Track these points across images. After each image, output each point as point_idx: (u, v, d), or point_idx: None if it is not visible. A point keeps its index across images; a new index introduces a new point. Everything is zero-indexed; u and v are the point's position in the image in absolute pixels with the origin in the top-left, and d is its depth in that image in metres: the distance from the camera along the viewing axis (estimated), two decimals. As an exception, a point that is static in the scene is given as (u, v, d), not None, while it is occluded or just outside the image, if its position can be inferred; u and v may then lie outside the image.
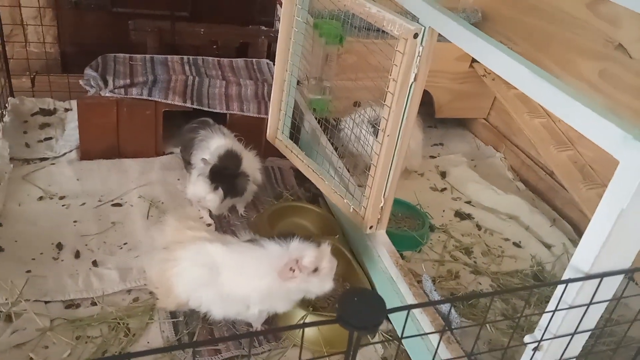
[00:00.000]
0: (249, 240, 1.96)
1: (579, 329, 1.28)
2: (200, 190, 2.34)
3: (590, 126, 1.24)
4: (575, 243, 2.59)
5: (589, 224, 1.19)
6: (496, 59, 1.54)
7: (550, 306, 1.26)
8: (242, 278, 1.82)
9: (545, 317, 1.30)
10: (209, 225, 2.46)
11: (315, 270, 1.78)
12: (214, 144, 2.50)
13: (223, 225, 2.51)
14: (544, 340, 1.29)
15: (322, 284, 1.81)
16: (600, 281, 1.20)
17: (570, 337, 1.29)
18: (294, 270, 1.76)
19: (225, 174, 2.35)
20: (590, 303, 1.24)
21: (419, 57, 1.81)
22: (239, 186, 2.40)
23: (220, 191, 2.33)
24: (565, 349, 1.33)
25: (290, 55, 2.45)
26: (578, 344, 1.35)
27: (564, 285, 1.19)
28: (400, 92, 1.88)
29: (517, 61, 1.46)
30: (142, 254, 2.24)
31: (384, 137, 1.98)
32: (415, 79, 1.86)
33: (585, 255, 1.20)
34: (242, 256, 1.85)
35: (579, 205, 2.65)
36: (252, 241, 1.90)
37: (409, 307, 1.01)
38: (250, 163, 2.51)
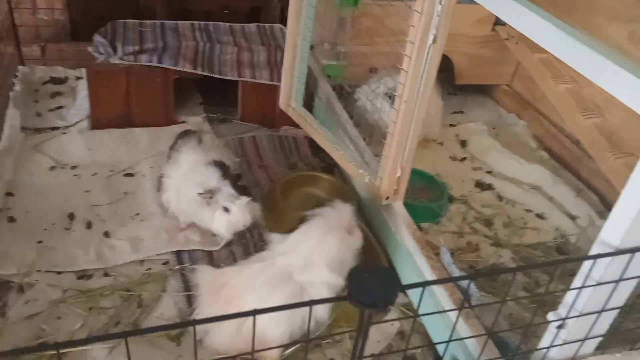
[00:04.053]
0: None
1: (607, 307, 1.21)
2: (242, 214, 2.06)
3: (623, 87, 1.13)
4: (601, 215, 2.49)
5: (620, 195, 1.10)
6: (521, 17, 1.43)
7: (576, 282, 1.18)
8: (334, 250, 1.73)
9: (571, 294, 1.23)
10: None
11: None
12: (185, 159, 2.20)
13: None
14: (569, 318, 1.21)
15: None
16: (632, 257, 1.11)
17: (596, 315, 1.22)
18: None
19: (238, 181, 2.16)
20: (620, 279, 1.16)
21: (437, 17, 1.70)
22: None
23: (249, 199, 2.09)
24: (591, 328, 1.25)
25: (302, 18, 2.35)
26: (605, 322, 1.27)
27: (592, 261, 1.10)
28: (418, 55, 1.78)
29: (544, 18, 1.35)
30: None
31: (400, 103, 1.89)
32: (434, 41, 1.75)
33: (615, 229, 1.12)
34: (315, 233, 1.75)
35: (606, 175, 2.54)
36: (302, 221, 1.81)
37: (424, 284, 0.94)
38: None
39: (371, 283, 0.93)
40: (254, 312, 0.89)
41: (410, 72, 1.82)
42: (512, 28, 3.16)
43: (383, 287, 0.92)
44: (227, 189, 2.04)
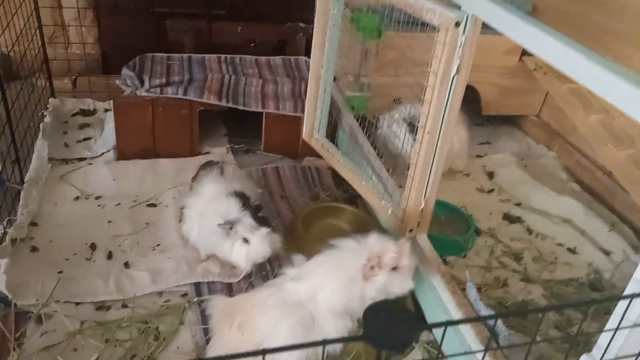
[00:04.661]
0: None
1: (646, 350, 1.12)
2: (262, 246, 2.02)
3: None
4: (637, 249, 2.37)
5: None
6: (548, 47, 1.38)
7: (611, 323, 1.10)
8: (338, 291, 1.64)
9: (605, 336, 1.15)
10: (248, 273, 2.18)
11: (395, 268, 1.65)
12: (206, 190, 2.17)
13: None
14: (604, 361, 1.13)
15: (403, 283, 1.68)
16: (672, 296, 1.03)
17: (635, 358, 1.13)
18: (373, 268, 1.63)
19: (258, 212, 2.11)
20: (659, 321, 1.08)
21: (461, 48, 1.67)
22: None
23: (269, 230, 2.05)
24: (628, 372, 1.16)
25: (326, 50, 2.35)
26: (644, 367, 1.18)
27: (627, 300, 1.03)
28: (441, 86, 1.75)
29: (572, 48, 1.30)
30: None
31: (423, 135, 1.85)
32: (457, 72, 1.72)
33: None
34: (324, 269, 1.69)
35: (641, 209, 2.43)
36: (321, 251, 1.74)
37: (446, 324, 0.88)
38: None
39: (388, 322, 0.88)
40: (263, 352, 0.84)
41: (433, 103, 1.78)
42: (540, 59, 3.12)
43: (400, 328, 0.87)
44: (247, 219, 2.02)
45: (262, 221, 2.05)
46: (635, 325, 1.08)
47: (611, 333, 1.12)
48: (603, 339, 1.15)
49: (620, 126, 2.63)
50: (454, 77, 1.73)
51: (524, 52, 3.05)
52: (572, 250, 2.40)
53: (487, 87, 3.11)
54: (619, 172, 2.46)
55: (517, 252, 2.36)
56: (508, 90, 3.14)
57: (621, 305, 1.08)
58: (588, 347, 1.23)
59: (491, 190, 2.79)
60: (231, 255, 2.08)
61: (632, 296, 1.02)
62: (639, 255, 2.33)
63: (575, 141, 3.01)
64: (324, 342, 0.87)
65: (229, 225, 2.02)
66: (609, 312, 1.15)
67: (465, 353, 1.65)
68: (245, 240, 2.03)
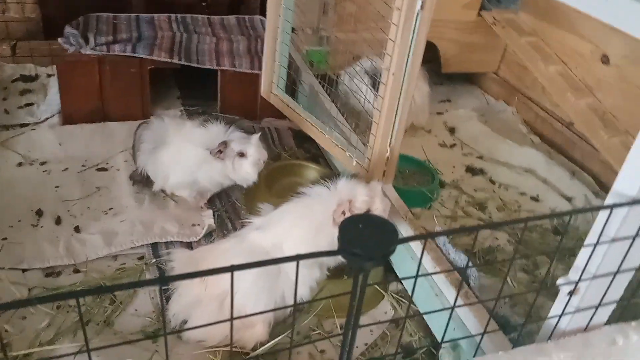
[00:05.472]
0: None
1: (622, 267, 1.10)
2: (259, 151, 2.04)
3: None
4: (598, 195, 2.40)
5: (636, 140, 0.99)
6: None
7: (590, 240, 1.07)
8: (306, 240, 1.58)
9: (582, 256, 1.12)
10: (208, 210, 2.18)
11: (367, 211, 1.59)
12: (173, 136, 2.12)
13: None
14: (582, 281, 1.10)
15: None
16: (650, 207, 1.00)
17: (612, 277, 1.11)
18: (344, 213, 1.56)
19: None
20: (637, 235, 1.05)
21: (425, -20, 1.61)
22: None
23: (259, 134, 2.08)
24: (605, 292, 1.14)
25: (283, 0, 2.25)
26: (620, 286, 1.16)
27: (608, 211, 0.99)
28: (406, 23, 1.68)
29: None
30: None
31: (388, 76, 1.78)
32: (422, 7, 1.66)
33: (631, 177, 1.01)
34: (291, 217, 1.61)
35: (600, 156, 2.45)
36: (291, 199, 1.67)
37: (426, 237, 0.82)
38: None
39: (365, 234, 0.81)
40: (232, 268, 0.76)
41: (397, 42, 1.72)
42: (498, 13, 3.09)
43: (379, 238, 0.80)
44: (235, 134, 2.02)
45: (246, 131, 2.06)
46: (614, 240, 1.05)
47: (588, 254, 1.10)
48: (580, 259, 1.12)
49: (578, 76, 2.65)
50: (418, 13, 1.66)
51: (482, 7, 3.03)
52: (534, 199, 2.40)
53: (446, 43, 3.08)
54: (579, 120, 2.47)
55: (481, 202, 2.34)
56: (467, 47, 3.12)
57: (601, 219, 1.04)
58: (555, 287, 1.20)
59: (453, 145, 2.77)
60: (235, 174, 2.05)
61: (612, 206, 0.98)
62: (599, 199, 2.35)
63: (533, 95, 3.02)
64: (297, 258, 0.80)
65: (223, 146, 1.99)
66: (574, 255, 1.12)
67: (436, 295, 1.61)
68: (241, 154, 2.01)
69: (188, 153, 2.05)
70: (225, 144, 2.00)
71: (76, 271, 1.89)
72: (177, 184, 2.13)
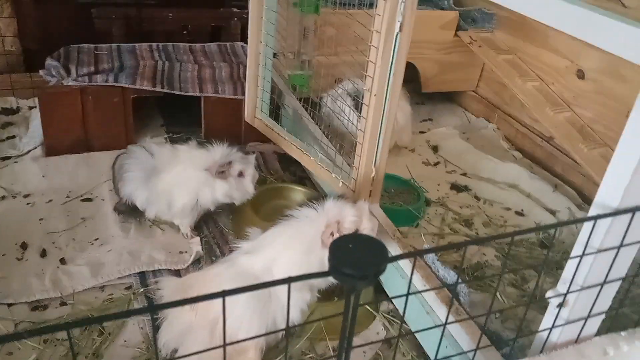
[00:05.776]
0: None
1: (609, 277, 1.11)
2: (253, 170, 2.14)
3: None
4: (581, 207, 2.43)
5: (616, 151, 1.02)
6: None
7: (576, 252, 1.09)
8: (296, 262, 1.58)
9: (569, 268, 1.13)
10: (196, 237, 2.20)
11: (356, 231, 1.59)
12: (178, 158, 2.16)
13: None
14: (571, 292, 1.11)
15: None
16: (633, 216, 1.03)
17: (600, 287, 1.12)
18: (333, 235, 1.55)
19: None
20: (621, 245, 1.07)
21: (403, 3, 1.64)
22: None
23: (254, 154, 2.19)
24: (594, 303, 1.15)
25: (264, 24, 2.28)
26: (607, 296, 1.18)
27: (592, 223, 1.01)
28: (385, 45, 1.71)
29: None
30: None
31: (370, 98, 1.81)
32: (400, 29, 1.69)
33: (613, 188, 1.03)
34: (281, 240, 1.62)
35: (581, 169, 2.50)
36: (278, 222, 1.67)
37: (415, 254, 0.83)
38: None
39: (355, 254, 0.82)
40: (224, 294, 0.76)
41: (378, 63, 1.74)
42: (474, 32, 3.16)
43: (369, 256, 0.81)
44: (237, 154, 2.10)
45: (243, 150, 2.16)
46: (599, 251, 1.07)
47: (575, 267, 1.11)
48: (568, 271, 1.13)
49: (556, 91, 2.71)
50: (397, 34, 1.70)
51: (459, 27, 3.10)
52: (519, 213, 2.43)
53: (425, 64, 3.13)
54: (558, 134, 2.52)
55: (468, 218, 2.36)
56: (446, 66, 3.18)
57: (585, 230, 1.06)
58: (544, 301, 1.21)
59: (437, 163, 2.80)
60: (237, 192, 2.12)
61: (596, 217, 1.00)
62: (583, 211, 2.39)
63: (513, 112, 3.08)
64: (289, 280, 0.80)
65: (228, 167, 2.07)
66: (560, 267, 1.13)
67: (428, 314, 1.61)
68: (241, 174, 2.10)
69: (190, 175, 2.10)
70: (230, 164, 2.08)
71: (63, 304, 1.86)
72: (184, 206, 2.12)
